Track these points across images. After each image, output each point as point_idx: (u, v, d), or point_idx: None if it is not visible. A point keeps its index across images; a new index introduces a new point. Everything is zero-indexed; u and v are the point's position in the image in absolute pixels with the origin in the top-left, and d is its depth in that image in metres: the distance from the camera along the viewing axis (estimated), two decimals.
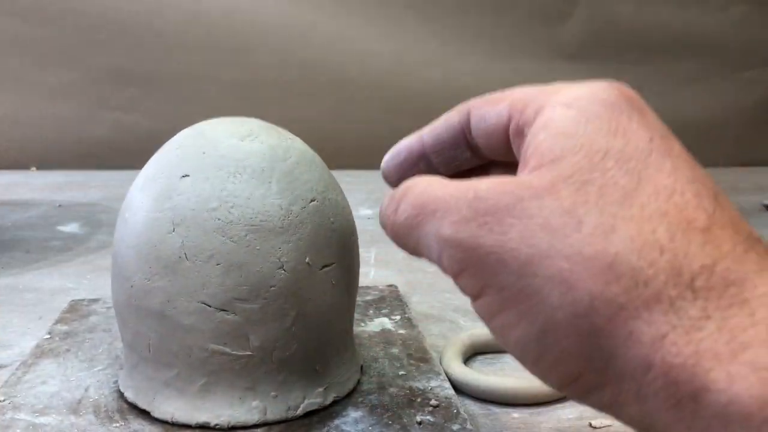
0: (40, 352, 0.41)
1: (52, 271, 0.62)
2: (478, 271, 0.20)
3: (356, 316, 0.46)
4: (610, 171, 0.19)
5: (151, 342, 0.34)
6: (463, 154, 0.27)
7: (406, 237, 0.22)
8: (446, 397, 0.36)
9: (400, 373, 0.39)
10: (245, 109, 0.43)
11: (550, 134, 0.21)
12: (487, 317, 0.20)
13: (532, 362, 0.20)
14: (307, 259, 0.33)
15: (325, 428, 0.33)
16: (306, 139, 0.38)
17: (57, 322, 0.46)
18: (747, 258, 0.18)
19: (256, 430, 0.33)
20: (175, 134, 0.37)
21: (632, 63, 1.29)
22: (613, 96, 0.21)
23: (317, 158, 0.38)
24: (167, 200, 0.33)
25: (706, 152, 1.27)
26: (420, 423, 0.33)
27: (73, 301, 0.50)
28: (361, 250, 0.38)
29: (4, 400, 0.35)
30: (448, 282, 0.22)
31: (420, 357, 0.41)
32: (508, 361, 0.44)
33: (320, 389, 0.35)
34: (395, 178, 0.29)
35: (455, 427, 0.33)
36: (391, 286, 0.53)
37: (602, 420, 0.37)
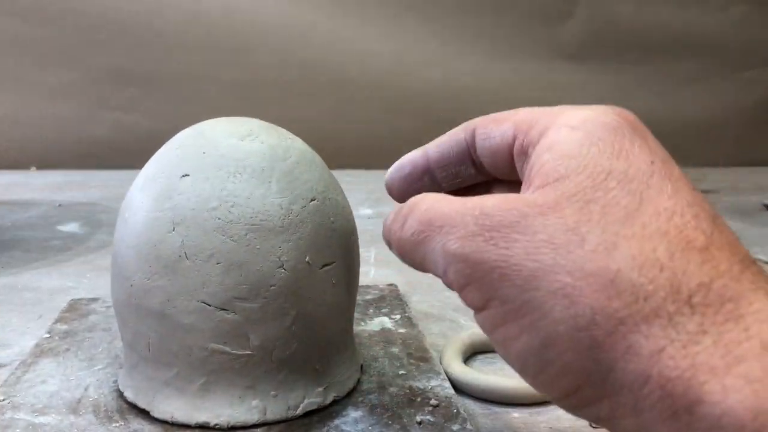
0: (40, 352, 0.41)
1: (51, 270, 0.62)
2: (482, 284, 0.20)
3: (356, 315, 0.46)
4: (613, 191, 0.20)
5: (150, 341, 0.34)
6: (467, 171, 0.27)
7: (413, 252, 0.23)
8: (446, 397, 0.36)
9: (400, 372, 0.39)
10: (245, 109, 0.43)
11: (554, 155, 0.21)
12: (489, 329, 0.21)
13: (533, 375, 0.20)
14: (307, 259, 0.33)
15: (325, 428, 0.33)
16: (306, 139, 0.38)
17: (56, 321, 0.46)
18: (743, 277, 0.19)
19: (255, 429, 0.33)
20: (175, 134, 0.37)
21: (632, 63, 1.30)
22: (615, 120, 0.22)
23: (317, 158, 0.38)
24: (167, 200, 0.33)
25: (706, 152, 1.27)
26: (420, 423, 0.33)
27: (72, 300, 0.50)
28: (361, 249, 0.38)
29: (3, 400, 0.35)
30: None
31: (420, 356, 0.41)
32: None
33: (320, 389, 0.35)
34: (398, 192, 0.29)
35: (455, 427, 0.33)
36: (391, 285, 0.53)
37: None
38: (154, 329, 0.33)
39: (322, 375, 0.35)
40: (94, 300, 0.50)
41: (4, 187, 1.00)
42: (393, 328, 0.45)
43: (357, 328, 0.45)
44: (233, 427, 0.33)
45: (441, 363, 0.42)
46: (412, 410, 0.34)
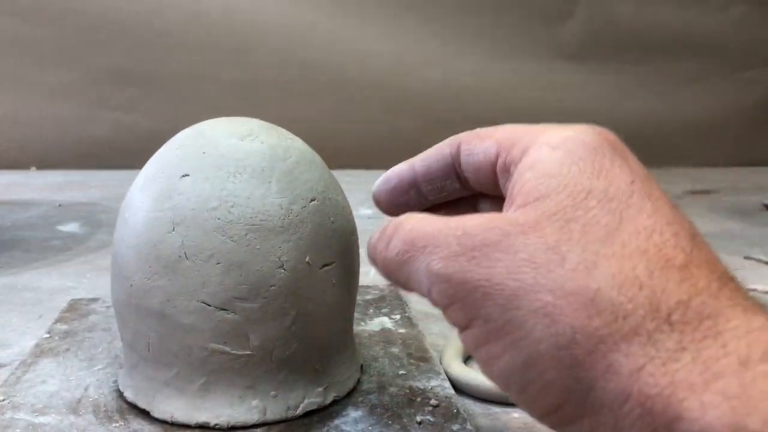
0: (40, 352, 0.41)
1: (51, 270, 0.62)
2: (465, 304, 0.20)
3: (356, 315, 0.46)
4: (593, 210, 0.20)
5: (150, 341, 0.34)
6: (452, 185, 0.28)
7: (397, 272, 0.23)
8: (446, 397, 0.36)
9: (400, 372, 0.39)
10: (245, 109, 0.43)
11: (535, 174, 0.21)
12: (473, 348, 0.21)
13: (516, 393, 0.20)
14: (307, 259, 0.33)
15: (325, 428, 0.33)
16: (306, 139, 0.38)
17: (56, 321, 0.46)
18: (721, 294, 0.19)
19: (255, 429, 0.33)
20: (175, 134, 0.37)
21: (632, 63, 1.30)
22: (596, 140, 0.22)
23: (317, 158, 0.38)
24: (167, 200, 0.33)
25: (706, 152, 1.27)
26: (420, 423, 0.33)
27: (72, 300, 0.50)
28: (361, 249, 0.38)
29: (3, 400, 0.35)
30: None
31: (420, 356, 0.41)
32: None
33: (320, 389, 0.35)
34: (386, 204, 0.30)
35: (455, 427, 0.33)
36: (391, 285, 0.53)
37: None
38: (154, 329, 0.33)
39: (322, 375, 0.35)
40: (94, 300, 0.50)
41: (4, 187, 1.00)
42: (393, 328, 0.45)
43: (357, 328, 0.45)
44: (233, 427, 0.33)
45: (441, 363, 0.42)
46: (412, 410, 0.34)
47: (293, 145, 0.36)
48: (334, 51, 1.22)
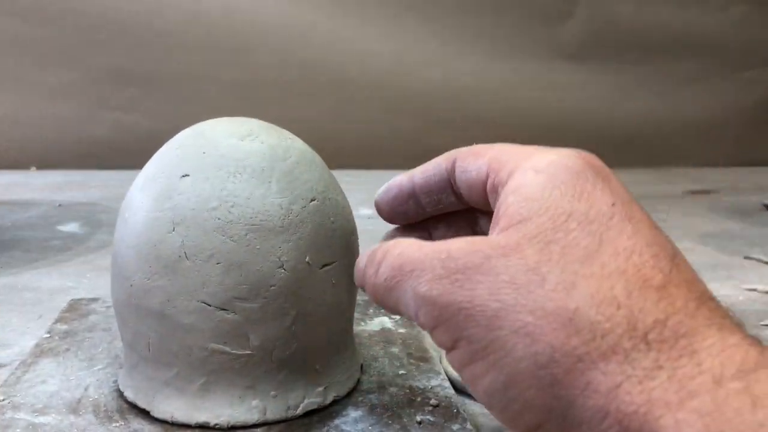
0: (40, 352, 0.41)
1: (51, 270, 0.62)
2: (450, 325, 0.21)
3: (356, 315, 0.46)
4: (573, 232, 0.21)
5: (150, 341, 0.34)
6: (449, 199, 0.28)
7: (386, 297, 0.24)
8: (446, 397, 0.36)
9: (400, 372, 0.39)
10: (245, 109, 0.43)
11: (518, 197, 0.22)
12: (459, 368, 0.21)
13: (499, 411, 0.21)
14: (307, 259, 0.33)
15: (325, 428, 0.33)
16: (306, 139, 0.38)
17: (56, 321, 0.46)
18: (698, 313, 0.19)
19: (255, 429, 0.33)
20: (175, 134, 0.37)
21: (632, 63, 1.30)
22: (579, 164, 0.23)
23: (317, 158, 0.38)
24: (167, 200, 0.33)
25: (706, 152, 1.27)
26: (420, 422, 0.33)
27: (72, 300, 0.50)
28: (361, 249, 0.38)
29: (3, 400, 0.35)
30: None
31: (420, 356, 0.41)
32: None
33: (320, 388, 0.35)
34: (387, 212, 0.31)
35: (455, 426, 0.33)
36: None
37: None
38: (154, 329, 0.33)
39: (322, 375, 0.35)
40: (94, 300, 0.50)
41: (4, 187, 1.00)
42: (393, 328, 0.45)
43: (357, 328, 0.45)
44: (233, 427, 0.33)
45: (441, 363, 0.42)
46: (412, 410, 0.34)
47: (293, 145, 0.36)
48: (334, 51, 1.22)
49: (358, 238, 0.38)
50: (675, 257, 0.21)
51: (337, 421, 0.34)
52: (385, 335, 0.44)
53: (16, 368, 0.39)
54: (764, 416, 0.17)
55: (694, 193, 1.04)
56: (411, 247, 0.23)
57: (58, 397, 0.36)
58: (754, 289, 0.58)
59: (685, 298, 0.20)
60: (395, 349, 0.42)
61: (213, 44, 1.18)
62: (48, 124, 1.18)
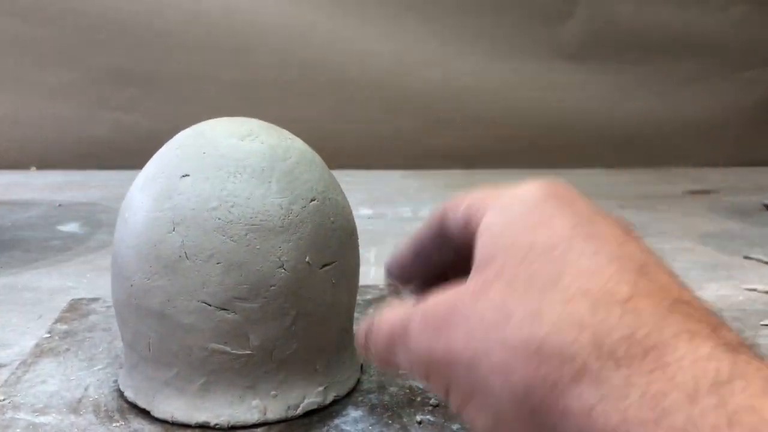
0: (40, 352, 0.41)
1: (51, 270, 0.62)
2: (438, 376, 0.22)
3: (356, 315, 0.45)
4: (535, 263, 0.21)
5: (151, 341, 0.34)
6: (447, 254, 0.28)
7: (389, 364, 0.24)
8: None
9: (400, 372, 0.39)
10: (245, 109, 0.43)
11: (485, 239, 0.23)
12: (458, 413, 0.22)
13: None
14: (307, 259, 0.33)
15: (325, 427, 0.33)
16: (306, 139, 0.38)
17: (57, 321, 0.46)
18: (667, 323, 0.19)
19: (256, 429, 0.33)
20: (175, 134, 0.37)
21: (632, 63, 1.29)
22: (539, 195, 0.23)
23: (317, 158, 0.38)
24: (167, 200, 0.33)
25: (706, 152, 1.27)
26: (420, 422, 0.33)
27: (72, 300, 0.50)
28: (361, 249, 0.38)
29: (4, 400, 0.35)
30: None
31: None
32: None
33: (320, 388, 0.35)
34: (398, 279, 0.31)
35: (455, 426, 0.33)
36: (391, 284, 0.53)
37: None
38: (154, 329, 0.33)
39: (322, 375, 0.35)
40: (95, 300, 0.50)
41: (4, 187, 1.00)
42: None
43: (357, 327, 0.45)
44: (233, 427, 0.33)
45: None
46: (412, 410, 0.34)
47: (293, 145, 0.36)
48: (334, 51, 1.22)
49: (358, 238, 0.38)
50: (644, 266, 0.21)
51: (337, 421, 0.34)
52: None
53: (17, 368, 0.39)
54: (736, 428, 0.16)
55: (694, 193, 1.04)
56: (396, 312, 0.24)
57: (59, 396, 0.36)
58: (754, 289, 0.58)
59: (653, 307, 0.19)
60: None
61: (213, 44, 1.18)
62: (48, 124, 1.18)
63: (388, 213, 0.85)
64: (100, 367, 0.39)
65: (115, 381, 0.37)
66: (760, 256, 0.68)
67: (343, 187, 0.39)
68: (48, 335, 0.43)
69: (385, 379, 0.38)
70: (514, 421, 0.20)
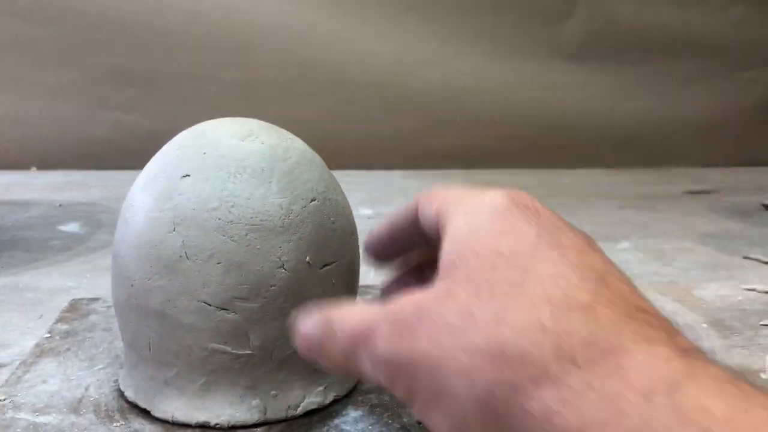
0: (40, 351, 0.41)
1: (51, 270, 0.62)
2: (403, 380, 0.22)
3: None
4: (500, 269, 0.21)
5: (151, 341, 0.34)
6: (420, 242, 0.28)
7: (348, 366, 0.24)
8: None
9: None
10: (245, 109, 0.43)
11: (449, 245, 0.23)
12: (420, 418, 0.22)
13: None
14: (307, 259, 0.33)
15: (325, 427, 0.33)
16: (306, 139, 0.38)
17: (57, 321, 0.46)
18: (626, 329, 0.20)
19: (256, 429, 0.33)
20: (175, 134, 0.37)
21: (632, 63, 1.29)
22: (504, 203, 0.24)
23: (317, 158, 0.38)
24: (168, 200, 0.33)
25: (706, 152, 1.27)
26: (420, 422, 0.33)
27: (73, 300, 0.50)
28: (361, 249, 0.38)
29: (4, 400, 0.35)
30: None
31: None
32: None
33: (320, 388, 0.35)
34: (374, 259, 0.31)
35: None
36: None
37: None
38: (154, 329, 0.33)
39: (322, 375, 0.35)
40: (95, 300, 0.50)
41: (4, 187, 1.00)
42: None
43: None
44: (233, 427, 0.33)
45: None
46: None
47: (293, 145, 0.36)
48: (334, 51, 1.22)
49: (358, 238, 0.38)
50: (604, 276, 0.21)
51: (337, 421, 0.34)
52: None
53: (17, 368, 0.39)
54: (690, 427, 0.17)
55: (694, 193, 1.04)
56: (360, 312, 0.24)
57: (59, 396, 0.36)
58: (754, 289, 0.58)
59: (613, 314, 0.20)
60: None
61: (213, 44, 1.18)
62: (48, 124, 1.18)
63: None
64: (100, 366, 0.39)
65: (116, 381, 0.38)
66: (760, 256, 0.68)
67: (343, 187, 0.39)
68: (48, 335, 0.43)
69: None
70: (476, 424, 0.20)
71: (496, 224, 0.23)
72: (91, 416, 0.34)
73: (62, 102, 1.17)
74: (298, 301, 0.33)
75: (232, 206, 0.32)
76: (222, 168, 0.33)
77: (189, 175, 0.33)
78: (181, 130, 0.37)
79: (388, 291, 0.31)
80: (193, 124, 0.37)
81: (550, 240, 0.22)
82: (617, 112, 1.30)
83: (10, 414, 0.34)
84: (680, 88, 1.32)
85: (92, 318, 0.47)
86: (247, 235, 0.32)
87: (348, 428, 0.33)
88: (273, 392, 0.34)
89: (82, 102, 1.18)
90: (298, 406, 0.34)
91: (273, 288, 0.32)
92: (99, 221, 0.81)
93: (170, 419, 0.33)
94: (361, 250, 0.31)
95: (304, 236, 0.33)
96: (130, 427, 0.33)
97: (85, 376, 0.38)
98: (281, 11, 1.20)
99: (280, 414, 0.34)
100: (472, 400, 0.20)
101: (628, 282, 0.22)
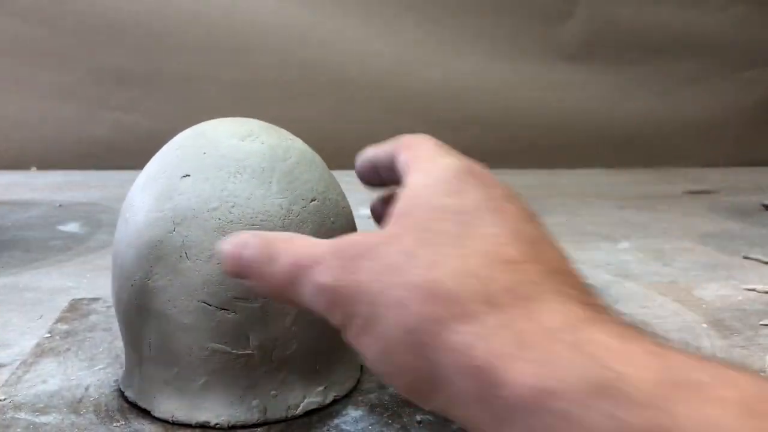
0: (41, 351, 0.41)
1: (52, 270, 0.62)
2: (342, 306, 0.24)
3: None
4: (446, 222, 0.24)
5: (151, 341, 0.34)
6: (396, 178, 0.30)
7: (285, 291, 0.26)
8: None
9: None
10: (245, 109, 0.43)
11: (405, 196, 0.26)
12: (351, 341, 0.24)
13: (385, 376, 0.24)
14: None
15: (325, 427, 0.33)
16: (306, 139, 0.38)
17: (57, 321, 0.46)
18: (546, 282, 0.22)
19: (256, 429, 0.33)
20: (175, 134, 0.37)
21: (632, 63, 1.30)
22: (460, 167, 0.26)
23: (317, 158, 0.38)
24: (168, 200, 0.33)
25: (706, 152, 1.27)
26: (420, 422, 0.33)
27: (73, 300, 0.50)
28: None
29: (4, 399, 0.35)
30: None
31: None
32: None
33: (320, 388, 0.35)
34: (363, 179, 0.33)
35: (455, 426, 0.33)
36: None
37: None
38: (154, 329, 0.33)
39: (322, 375, 0.35)
40: (95, 300, 0.50)
41: (4, 187, 1.00)
42: None
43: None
44: (233, 427, 0.33)
45: None
46: (412, 409, 0.34)
47: (293, 145, 0.36)
48: (334, 51, 1.22)
49: None
50: (537, 241, 0.24)
51: (337, 421, 0.34)
52: None
53: (17, 368, 0.39)
54: (588, 361, 0.19)
55: (693, 193, 1.04)
56: (306, 243, 0.26)
57: (59, 396, 0.36)
58: (754, 289, 0.58)
59: (537, 270, 0.22)
60: None
61: (213, 44, 1.18)
62: (48, 124, 1.18)
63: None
64: (100, 366, 0.39)
65: (116, 381, 0.38)
66: (760, 256, 0.68)
67: (343, 187, 0.39)
68: (48, 335, 0.44)
69: None
70: (401, 351, 0.22)
71: (448, 185, 0.25)
72: (91, 416, 0.34)
73: (62, 102, 1.18)
74: None
75: (232, 206, 0.32)
76: (222, 168, 0.33)
77: (189, 175, 0.33)
78: (181, 130, 0.37)
79: (375, 209, 0.34)
80: (193, 124, 0.37)
81: (493, 205, 0.25)
82: (617, 112, 1.30)
83: (10, 414, 0.34)
84: (680, 88, 1.32)
85: (92, 318, 0.47)
86: None
87: (348, 428, 0.33)
88: (273, 392, 0.34)
89: (82, 102, 1.18)
90: (298, 406, 0.34)
91: None
92: (99, 221, 0.81)
93: (170, 419, 0.33)
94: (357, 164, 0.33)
95: None
96: (130, 427, 0.33)
97: (85, 376, 0.38)
98: (281, 11, 1.20)
99: (280, 414, 0.34)
100: (401, 329, 0.22)
101: (559, 252, 0.25)
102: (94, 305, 0.49)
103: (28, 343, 0.44)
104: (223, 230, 0.32)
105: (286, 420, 0.34)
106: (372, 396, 0.36)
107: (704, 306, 0.54)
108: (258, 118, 0.38)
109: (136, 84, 1.18)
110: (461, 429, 0.33)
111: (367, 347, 0.23)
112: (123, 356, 0.38)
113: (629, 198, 0.99)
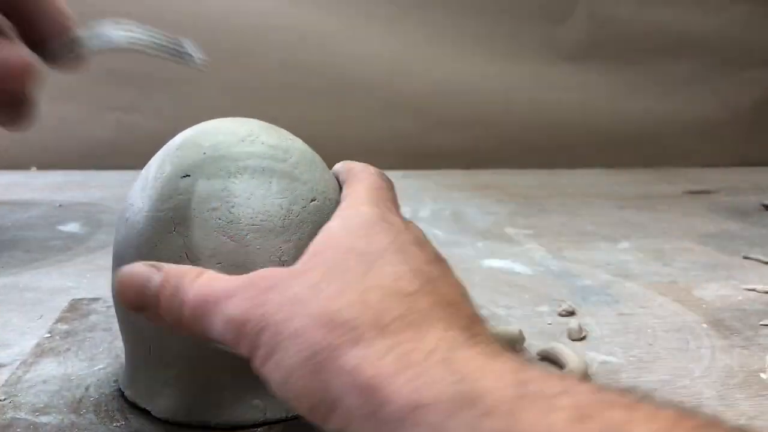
0: (41, 351, 0.41)
1: (52, 270, 0.62)
2: (249, 337, 0.26)
3: None
4: (351, 261, 0.26)
5: (151, 341, 0.34)
6: None
7: (193, 325, 0.28)
8: None
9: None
10: (245, 110, 0.43)
11: (320, 238, 0.29)
12: (257, 369, 0.26)
13: (286, 399, 0.25)
14: None
15: None
16: (306, 139, 0.38)
17: (57, 321, 0.46)
18: (433, 312, 0.24)
19: (256, 429, 0.33)
20: (175, 134, 0.37)
21: (632, 63, 1.30)
22: (372, 214, 0.29)
23: (317, 158, 0.38)
24: (168, 200, 0.33)
25: (706, 152, 1.26)
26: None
27: (73, 300, 0.50)
28: None
29: (4, 399, 0.35)
30: None
31: None
32: None
33: None
34: None
35: None
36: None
37: None
38: (154, 329, 0.33)
39: None
40: (95, 300, 0.50)
41: (4, 187, 1.00)
42: None
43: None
44: (234, 427, 0.33)
45: None
46: None
47: (293, 145, 0.36)
48: (334, 51, 1.22)
49: None
50: (435, 280, 0.26)
51: None
52: None
53: (17, 368, 0.39)
54: (455, 376, 0.21)
55: (693, 193, 1.04)
56: (216, 278, 0.28)
57: (59, 396, 0.36)
58: (754, 289, 0.58)
59: (428, 302, 0.25)
60: None
61: (213, 45, 1.17)
62: (48, 124, 1.17)
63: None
64: (100, 366, 0.39)
65: (116, 381, 0.38)
66: (760, 256, 0.68)
67: None
68: (48, 335, 0.44)
69: None
70: (301, 377, 0.24)
71: (359, 230, 0.28)
72: (92, 416, 0.34)
73: (62, 102, 1.17)
74: None
75: (232, 206, 0.32)
76: (222, 168, 0.33)
77: (189, 175, 0.33)
78: (181, 130, 0.37)
79: None
80: (193, 124, 0.37)
81: (398, 248, 0.27)
82: (617, 112, 1.30)
83: (10, 414, 0.34)
84: (680, 88, 1.32)
85: (92, 318, 0.47)
86: (247, 235, 0.32)
87: None
88: None
89: (83, 102, 1.18)
90: None
91: None
92: (99, 221, 0.81)
93: (170, 419, 0.33)
94: None
95: (304, 236, 0.33)
96: (130, 427, 0.33)
97: (86, 376, 0.38)
98: (281, 12, 1.20)
99: (280, 414, 0.34)
100: (299, 356, 0.24)
101: (456, 288, 0.27)
102: (94, 305, 0.49)
103: (28, 343, 0.44)
104: (224, 230, 0.32)
105: (286, 420, 0.34)
106: None
107: (704, 306, 0.54)
108: (258, 118, 0.38)
109: (136, 84, 1.18)
110: None
111: (271, 374, 0.25)
112: (123, 356, 0.38)
113: (629, 198, 0.99)
